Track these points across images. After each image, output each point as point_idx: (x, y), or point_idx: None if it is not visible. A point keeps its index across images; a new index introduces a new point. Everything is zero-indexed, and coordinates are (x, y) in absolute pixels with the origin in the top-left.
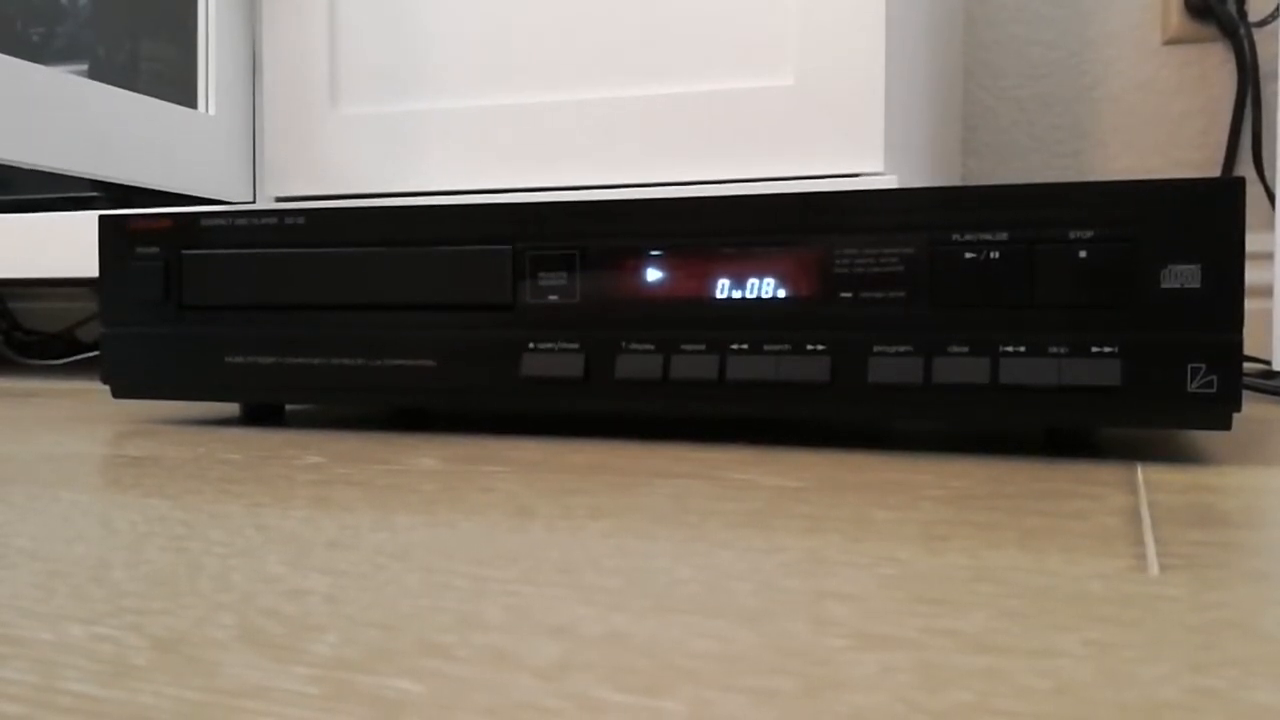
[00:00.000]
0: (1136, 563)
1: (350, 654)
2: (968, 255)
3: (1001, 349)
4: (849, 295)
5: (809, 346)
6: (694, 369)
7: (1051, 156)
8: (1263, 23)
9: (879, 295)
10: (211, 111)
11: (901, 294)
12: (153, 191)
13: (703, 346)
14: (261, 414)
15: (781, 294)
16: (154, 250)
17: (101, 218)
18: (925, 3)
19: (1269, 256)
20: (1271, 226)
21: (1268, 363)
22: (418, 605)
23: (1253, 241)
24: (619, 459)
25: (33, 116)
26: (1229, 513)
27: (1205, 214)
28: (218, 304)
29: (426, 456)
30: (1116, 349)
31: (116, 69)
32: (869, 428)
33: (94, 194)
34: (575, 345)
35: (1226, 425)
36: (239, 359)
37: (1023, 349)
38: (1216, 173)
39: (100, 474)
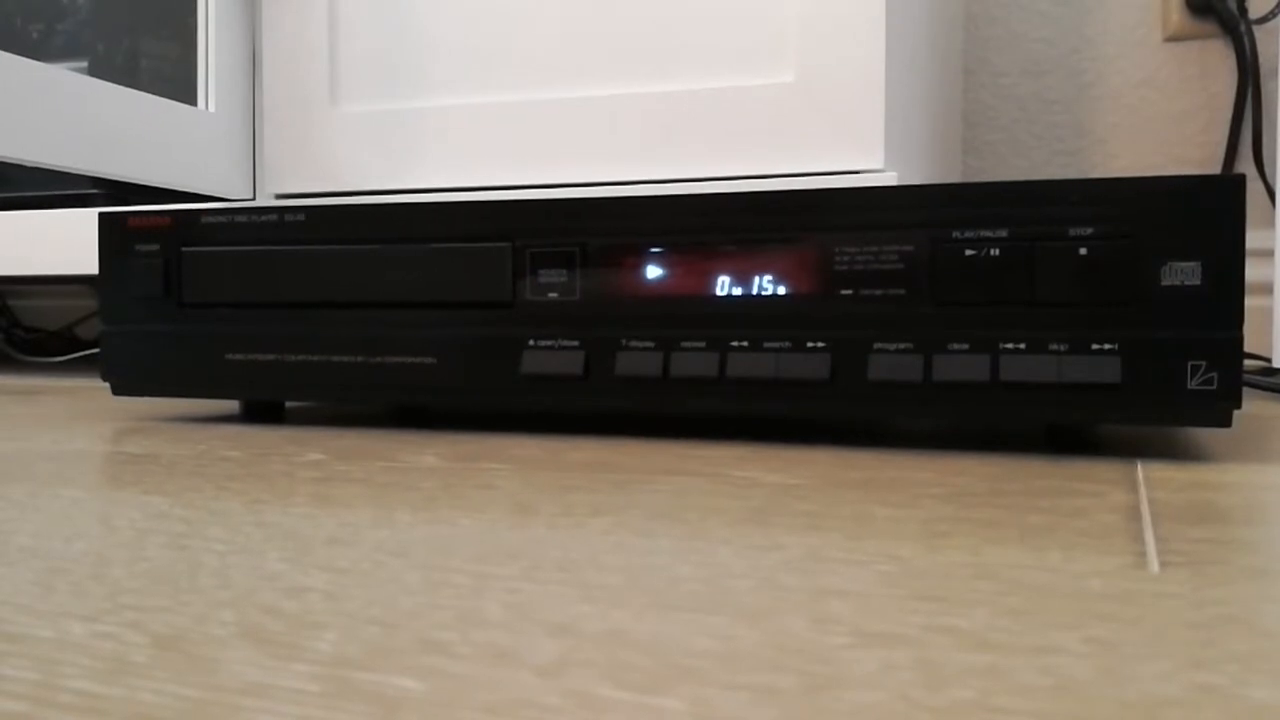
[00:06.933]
0: (1137, 560)
1: (350, 651)
2: (968, 252)
3: (1002, 346)
4: (849, 292)
5: (809, 344)
6: (694, 366)
7: (1052, 154)
8: (1263, 20)
9: (879, 292)
10: (211, 109)
11: (902, 291)
12: (152, 189)
13: (703, 344)
14: (261, 411)
15: (781, 291)
16: (154, 247)
17: (101, 215)
18: (925, 0)
19: (1269, 254)
20: (1272, 224)
21: (1268, 360)
22: (418, 603)
23: (1253, 239)
24: (619, 456)
25: (33, 114)
26: (1229, 510)
27: (1205, 211)
28: (218, 301)
29: (427, 454)
30: (1117, 346)
31: (116, 66)
32: (869, 425)
33: (94, 191)
34: (575, 342)
35: (1227, 423)
36: (239, 356)
37: (1023, 346)
38: (1217, 170)
39: (100, 471)
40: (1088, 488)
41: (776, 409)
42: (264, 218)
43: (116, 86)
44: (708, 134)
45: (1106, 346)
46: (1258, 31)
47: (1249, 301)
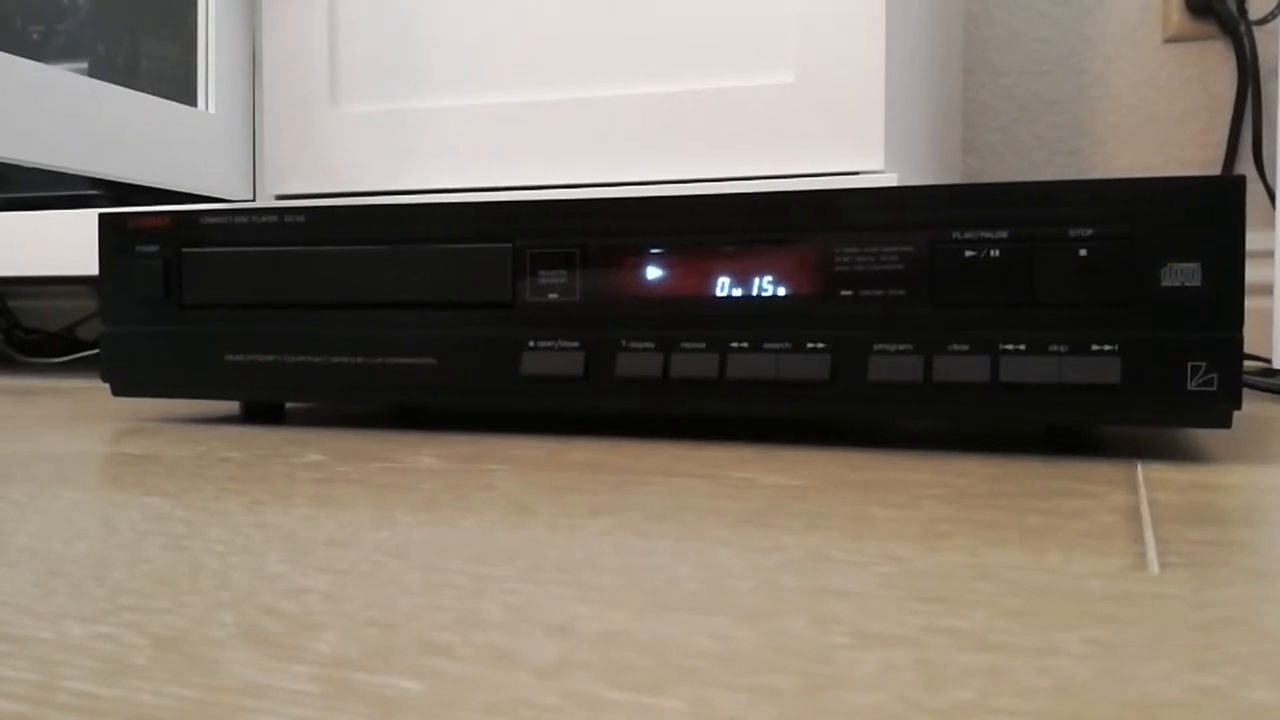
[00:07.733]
0: (1137, 561)
1: (350, 652)
2: (968, 253)
3: (1001, 347)
4: (849, 293)
5: (809, 345)
6: (694, 367)
7: (1051, 154)
8: (1263, 21)
9: (879, 293)
10: (211, 109)
11: (901, 292)
12: (153, 189)
13: (703, 345)
14: (261, 412)
15: (781, 292)
16: (154, 248)
17: (101, 216)
18: (925, 0)
19: (1269, 254)
20: (1272, 224)
21: (1268, 361)
22: (417, 604)
23: (1253, 239)
24: (619, 457)
25: (33, 114)
26: (1229, 511)
27: (1205, 212)
28: (218, 302)
29: (426, 455)
30: (1117, 347)
31: (117, 67)
32: (869, 426)
33: (94, 192)
34: (575, 343)
35: (1227, 424)
36: (239, 357)
37: (1023, 347)
38: (1217, 171)
39: (100, 472)
40: (1088, 489)
41: (776, 410)
42: (264, 219)
43: (116, 87)
44: (708, 134)
45: (1106, 347)
46: (1258, 32)
47: (1249, 302)
